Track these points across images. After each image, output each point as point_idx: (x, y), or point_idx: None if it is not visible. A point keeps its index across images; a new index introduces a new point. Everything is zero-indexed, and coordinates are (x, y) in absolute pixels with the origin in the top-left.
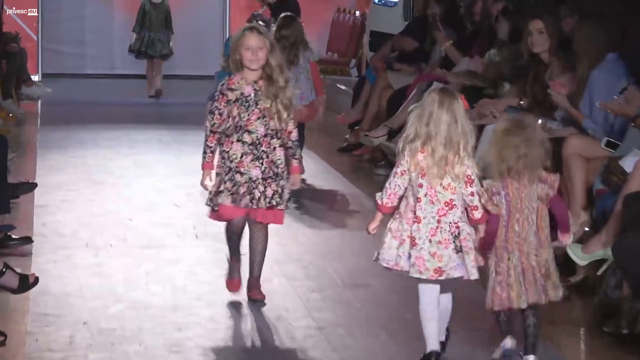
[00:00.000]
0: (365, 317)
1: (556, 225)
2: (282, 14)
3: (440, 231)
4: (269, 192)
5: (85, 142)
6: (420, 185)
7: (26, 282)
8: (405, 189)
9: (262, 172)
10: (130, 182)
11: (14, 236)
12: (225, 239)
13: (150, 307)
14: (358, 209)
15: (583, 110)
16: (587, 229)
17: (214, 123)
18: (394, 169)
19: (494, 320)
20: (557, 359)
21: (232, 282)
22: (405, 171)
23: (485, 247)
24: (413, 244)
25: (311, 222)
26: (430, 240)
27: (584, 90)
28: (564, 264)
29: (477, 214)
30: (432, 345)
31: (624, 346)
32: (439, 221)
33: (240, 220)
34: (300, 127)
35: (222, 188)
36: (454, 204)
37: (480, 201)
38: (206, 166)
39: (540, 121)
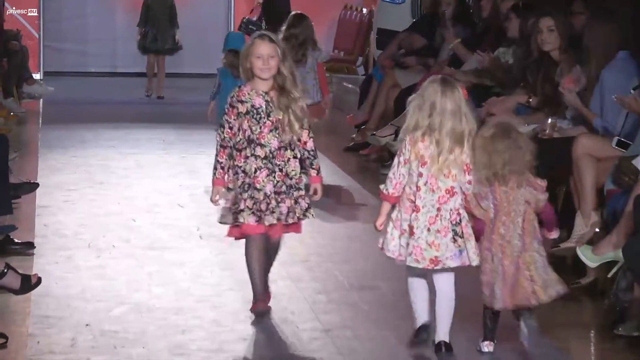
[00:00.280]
0: (372, 320)
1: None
2: (293, 12)
3: (440, 219)
4: (284, 208)
5: (87, 141)
6: (420, 175)
7: (28, 283)
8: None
9: (275, 186)
10: (133, 183)
11: (16, 240)
12: (246, 260)
13: (153, 310)
14: (365, 209)
15: (594, 109)
16: (597, 229)
17: (225, 137)
18: (397, 159)
19: (483, 314)
20: None
21: (258, 304)
22: (407, 160)
23: (476, 238)
24: (411, 233)
25: (317, 223)
26: (428, 229)
27: (595, 89)
28: (574, 265)
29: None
30: (423, 319)
31: (635, 349)
32: (438, 209)
33: (263, 237)
34: None
35: (242, 207)
36: (455, 191)
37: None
38: (217, 182)
39: (550, 120)
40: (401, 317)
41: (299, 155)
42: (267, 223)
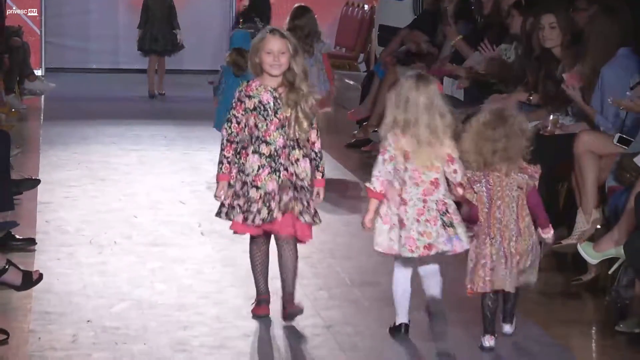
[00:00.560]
0: (374, 316)
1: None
2: (296, 5)
3: (427, 210)
4: (285, 198)
5: (89, 138)
6: (405, 169)
7: (30, 279)
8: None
9: (279, 185)
10: (135, 179)
11: (17, 236)
12: (250, 261)
13: (155, 306)
14: (367, 206)
15: (594, 106)
16: (599, 226)
17: (231, 132)
18: (380, 157)
19: (480, 305)
20: (568, 359)
21: (260, 308)
22: (393, 157)
23: (470, 222)
24: (402, 225)
25: None
26: (418, 220)
27: (595, 86)
28: (575, 262)
29: (461, 190)
30: (402, 318)
31: (637, 346)
32: (424, 201)
33: (261, 238)
34: None
35: (234, 204)
36: (438, 183)
37: (462, 178)
38: (221, 177)
39: (552, 117)
40: None
41: (311, 156)
42: (255, 223)
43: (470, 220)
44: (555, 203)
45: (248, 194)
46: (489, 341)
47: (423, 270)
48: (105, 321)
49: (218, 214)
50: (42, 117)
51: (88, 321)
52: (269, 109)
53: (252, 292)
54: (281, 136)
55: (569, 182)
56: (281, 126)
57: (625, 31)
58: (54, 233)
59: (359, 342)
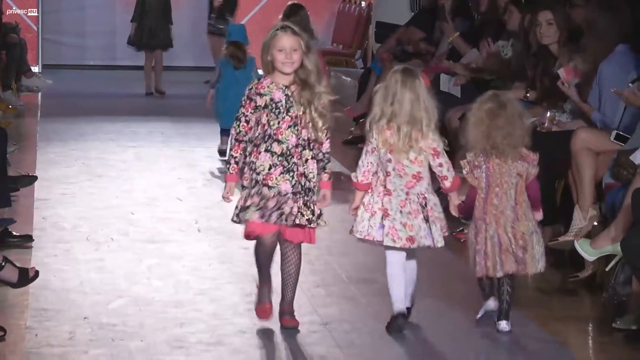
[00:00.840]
0: (371, 313)
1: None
2: (289, 3)
3: (409, 202)
4: (295, 208)
5: (86, 134)
6: (389, 160)
7: (26, 276)
8: (376, 164)
9: (292, 187)
10: (132, 176)
11: (14, 233)
12: (254, 261)
13: (152, 303)
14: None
15: (592, 103)
16: (595, 223)
17: (240, 131)
18: (365, 148)
19: (478, 285)
20: (565, 356)
21: (263, 309)
22: (375, 148)
23: (464, 212)
24: (386, 215)
25: None
26: (401, 212)
27: (593, 83)
28: (572, 259)
29: (447, 183)
30: (399, 307)
31: (634, 343)
32: (407, 193)
33: (271, 238)
34: None
35: (249, 203)
36: (421, 176)
37: (448, 171)
38: (229, 178)
39: (549, 114)
40: None
41: (319, 157)
42: (272, 221)
43: (463, 213)
44: (552, 200)
45: (261, 192)
46: (492, 303)
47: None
48: (102, 318)
49: (236, 220)
50: (39, 114)
51: (85, 318)
52: (280, 107)
53: (249, 289)
54: (294, 135)
55: (566, 179)
56: (293, 125)
57: (624, 28)
58: (51, 230)
59: (355, 339)
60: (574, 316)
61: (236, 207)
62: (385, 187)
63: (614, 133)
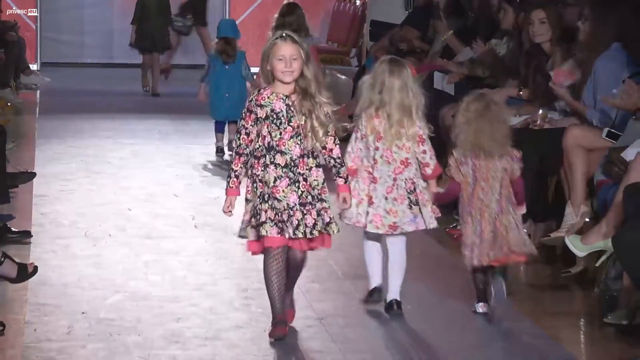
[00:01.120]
0: (365, 308)
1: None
2: (285, 2)
3: (396, 188)
4: (310, 220)
5: (84, 131)
6: (377, 148)
7: (25, 272)
8: (365, 151)
9: (300, 197)
10: (129, 173)
11: (13, 229)
12: (264, 279)
13: (149, 298)
14: None
15: (587, 99)
16: (587, 219)
17: (240, 144)
18: (354, 135)
19: (472, 281)
20: (557, 350)
21: (277, 329)
22: (364, 135)
23: (440, 201)
24: (370, 202)
25: None
26: (386, 198)
27: (588, 80)
28: (564, 255)
29: (429, 170)
30: (376, 282)
31: (625, 337)
32: (394, 179)
33: (281, 252)
34: None
35: (264, 218)
36: (409, 162)
37: (431, 158)
38: (230, 192)
39: (541, 111)
40: None
41: (322, 164)
42: (288, 235)
43: (446, 198)
44: (545, 196)
45: (274, 205)
46: (482, 308)
47: (390, 241)
48: (100, 313)
49: (242, 235)
50: (37, 111)
51: (83, 313)
52: (282, 118)
53: (245, 283)
54: (297, 145)
55: (559, 176)
56: (296, 135)
57: (619, 26)
58: (49, 226)
59: (350, 334)
60: (566, 311)
61: (242, 222)
62: (371, 173)
63: (605, 130)
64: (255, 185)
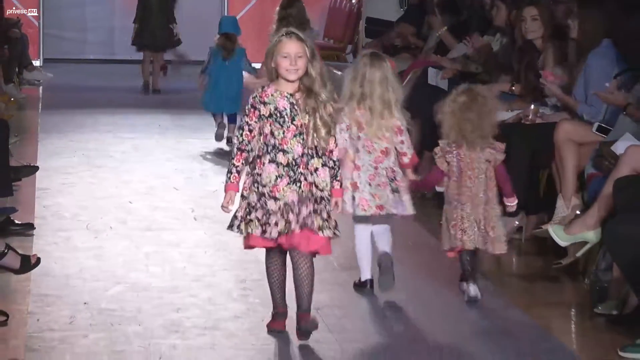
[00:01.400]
0: (361, 299)
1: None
2: None
3: (378, 176)
4: (305, 211)
5: (86, 126)
6: (359, 138)
7: (28, 263)
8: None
9: (299, 196)
10: (130, 167)
11: (16, 221)
12: (266, 274)
13: (149, 289)
14: None
15: (578, 94)
16: (578, 212)
17: (243, 140)
18: (338, 126)
19: (459, 261)
20: (548, 340)
21: (275, 322)
22: (348, 126)
23: (416, 189)
24: (355, 188)
25: None
26: (370, 184)
27: (579, 76)
28: (555, 246)
29: (406, 159)
30: (366, 274)
31: (615, 327)
32: (376, 168)
33: (277, 252)
34: None
35: (252, 217)
36: (389, 152)
37: (408, 148)
38: (229, 187)
39: (533, 106)
40: (389, 296)
41: (329, 164)
42: (272, 236)
43: (424, 187)
44: (536, 190)
45: (266, 205)
46: (473, 290)
47: (375, 228)
48: (102, 303)
49: (230, 227)
50: (40, 106)
51: (85, 303)
52: (285, 116)
53: (244, 275)
54: (299, 144)
55: (550, 170)
56: (299, 133)
57: (608, 24)
58: (51, 218)
59: (347, 324)
60: (557, 302)
61: (235, 217)
62: (355, 163)
63: (595, 125)
64: (255, 184)
